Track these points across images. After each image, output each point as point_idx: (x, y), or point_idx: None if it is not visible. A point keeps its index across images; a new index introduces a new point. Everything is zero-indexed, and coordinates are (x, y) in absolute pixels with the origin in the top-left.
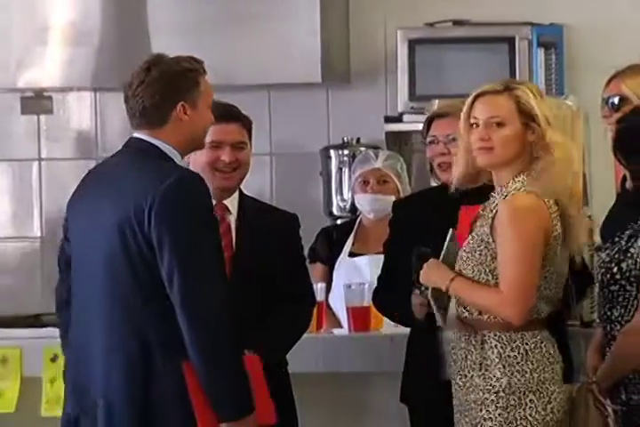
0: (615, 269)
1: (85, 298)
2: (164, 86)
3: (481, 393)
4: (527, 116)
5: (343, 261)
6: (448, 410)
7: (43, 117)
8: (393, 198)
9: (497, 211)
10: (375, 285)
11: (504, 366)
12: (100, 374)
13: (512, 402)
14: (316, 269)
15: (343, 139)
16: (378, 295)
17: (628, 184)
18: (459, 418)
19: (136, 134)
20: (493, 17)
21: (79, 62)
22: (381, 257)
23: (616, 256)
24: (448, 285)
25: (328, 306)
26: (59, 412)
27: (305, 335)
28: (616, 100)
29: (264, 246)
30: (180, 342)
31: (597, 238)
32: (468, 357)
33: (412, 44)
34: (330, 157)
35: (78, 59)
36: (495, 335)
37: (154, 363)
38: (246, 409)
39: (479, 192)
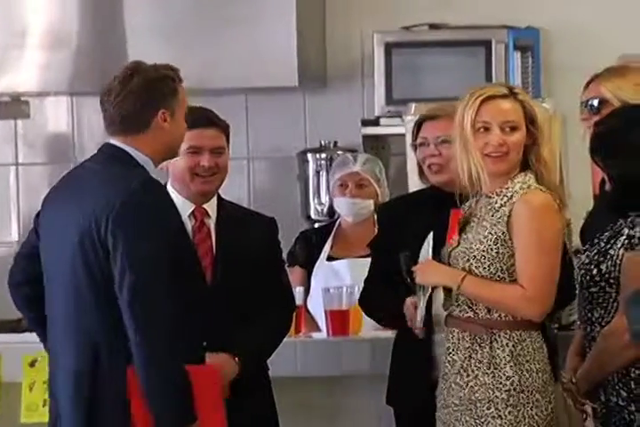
0: (595, 271)
1: (51, 296)
2: (146, 93)
3: (490, 391)
4: (529, 120)
5: (321, 265)
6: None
7: (20, 122)
8: (371, 202)
9: (511, 209)
10: (358, 287)
11: (515, 365)
12: (58, 376)
13: (521, 400)
14: (294, 273)
15: (320, 142)
16: (365, 298)
17: (608, 187)
18: (457, 417)
19: (111, 140)
20: (469, 20)
21: (56, 67)
22: (361, 261)
23: (595, 258)
24: (459, 283)
25: (307, 310)
26: (38, 418)
27: (285, 339)
28: (596, 102)
29: (244, 251)
30: (129, 347)
31: (576, 241)
32: (473, 356)
33: (389, 48)
34: (307, 161)
35: (55, 63)
36: (505, 334)
37: (101, 366)
38: (185, 420)
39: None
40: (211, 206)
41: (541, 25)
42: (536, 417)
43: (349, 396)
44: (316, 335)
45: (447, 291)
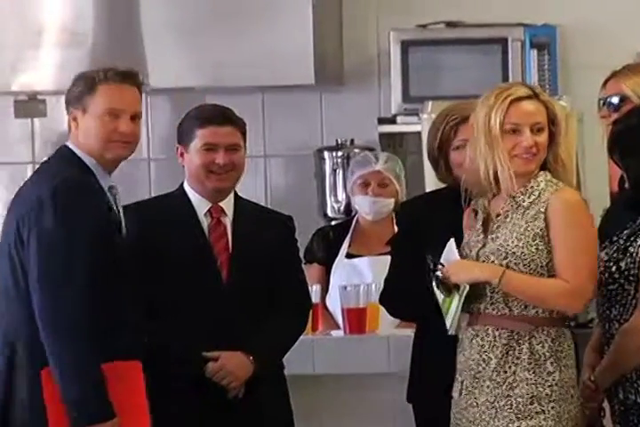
0: (614, 269)
1: None
2: (65, 98)
3: (533, 387)
4: (550, 120)
5: (341, 263)
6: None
7: (36, 121)
8: (392, 201)
9: (546, 207)
10: (377, 285)
11: (555, 361)
12: None
13: (562, 396)
14: (312, 270)
15: (337, 140)
16: (387, 296)
17: (627, 184)
18: (493, 414)
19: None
20: (486, 18)
21: (72, 65)
22: (382, 258)
23: (615, 255)
24: (500, 277)
25: (325, 307)
26: None
27: (301, 337)
28: (616, 100)
29: (260, 249)
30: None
31: None
32: (510, 352)
33: (405, 46)
34: (324, 159)
35: (71, 62)
36: (544, 331)
37: (17, 367)
38: (98, 417)
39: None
40: (227, 204)
41: (558, 22)
42: (572, 412)
43: (366, 394)
44: (334, 333)
45: (480, 288)
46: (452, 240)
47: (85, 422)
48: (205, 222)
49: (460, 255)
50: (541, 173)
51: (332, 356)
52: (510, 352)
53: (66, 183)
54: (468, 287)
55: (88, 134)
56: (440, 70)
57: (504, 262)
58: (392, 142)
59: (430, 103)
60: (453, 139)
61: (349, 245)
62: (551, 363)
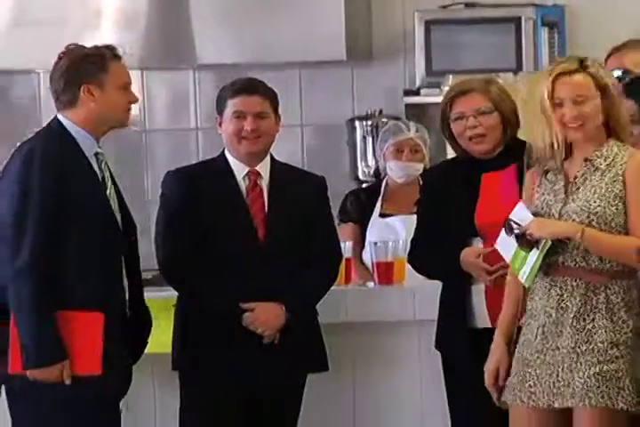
0: None
1: None
2: (68, 72)
3: (611, 334)
4: (601, 90)
5: (375, 222)
6: (477, 356)
7: None
8: (422, 166)
9: (624, 169)
10: (403, 241)
11: (628, 310)
12: None
13: (636, 342)
14: (347, 229)
15: (367, 111)
16: (415, 256)
17: None
18: (574, 358)
19: (58, 114)
20: None
21: (128, 45)
22: (412, 217)
23: None
24: (582, 233)
25: (362, 261)
26: None
27: (334, 288)
28: (618, 73)
29: (294, 207)
30: None
31: None
32: (588, 302)
33: (428, 25)
34: (355, 128)
35: (127, 42)
36: (617, 282)
37: (6, 311)
38: (45, 360)
39: (494, 161)
40: (263, 168)
41: (566, 3)
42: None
43: (393, 340)
44: (370, 284)
45: (560, 243)
46: (522, 202)
47: (33, 364)
48: (243, 185)
49: (536, 214)
50: (609, 138)
51: (362, 305)
52: (588, 302)
53: (36, 150)
54: (550, 242)
55: (107, 106)
56: (459, 47)
57: (586, 221)
58: (416, 112)
59: (451, 77)
60: (450, 111)
61: (382, 206)
62: (625, 311)
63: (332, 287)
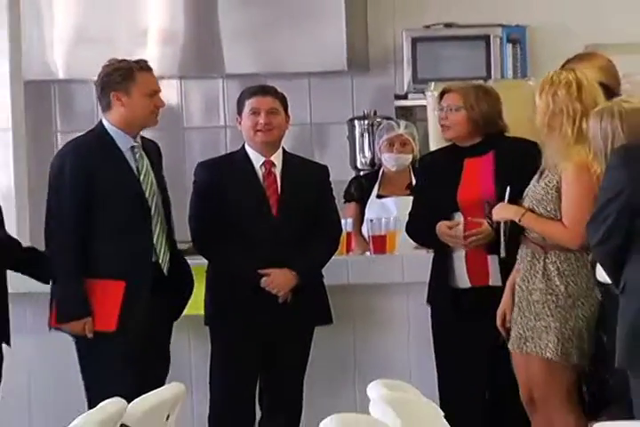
0: None
1: None
2: (101, 82)
3: (543, 295)
4: None
5: (373, 202)
6: (458, 311)
7: None
8: (411, 156)
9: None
10: (402, 218)
11: (562, 277)
12: None
13: (569, 303)
14: (350, 208)
15: (364, 112)
16: (410, 227)
17: None
18: (517, 313)
19: (102, 116)
20: (473, 20)
21: (168, 57)
22: (403, 198)
23: None
24: (520, 217)
25: (362, 235)
26: None
27: (337, 257)
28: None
29: (302, 191)
30: None
31: None
32: (532, 267)
33: (414, 41)
34: (354, 126)
35: (167, 54)
36: (555, 253)
37: None
38: (72, 316)
39: (475, 149)
40: (277, 158)
41: (527, 23)
42: (581, 316)
43: (387, 299)
44: (367, 254)
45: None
46: (508, 188)
47: (62, 319)
48: (260, 172)
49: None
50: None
51: (360, 271)
52: (532, 267)
53: (64, 152)
54: (502, 223)
55: (134, 110)
56: (440, 59)
57: (530, 206)
58: (404, 113)
59: (433, 84)
60: (439, 104)
61: (379, 189)
62: (558, 277)
63: (336, 256)
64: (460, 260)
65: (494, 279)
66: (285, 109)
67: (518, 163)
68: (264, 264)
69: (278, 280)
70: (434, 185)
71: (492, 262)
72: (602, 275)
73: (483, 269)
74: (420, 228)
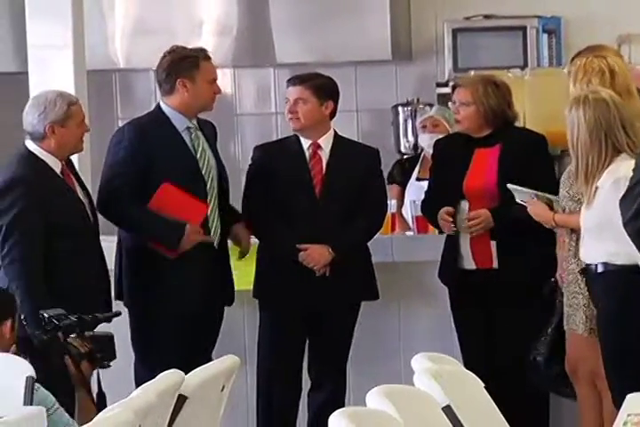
0: None
1: None
2: (168, 68)
3: (574, 275)
4: None
5: (413, 184)
6: (464, 290)
7: None
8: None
9: None
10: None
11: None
12: None
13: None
14: (393, 189)
15: (407, 99)
16: (423, 209)
17: None
18: (564, 293)
19: (161, 99)
20: (511, 11)
21: (222, 48)
22: None
23: None
24: (553, 218)
25: (401, 215)
26: None
27: (383, 236)
28: None
29: (347, 172)
30: None
31: None
32: (569, 249)
33: (455, 32)
34: (398, 112)
35: (222, 45)
36: (570, 234)
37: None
38: (173, 239)
39: (485, 140)
40: (325, 141)
41: (562, 14)
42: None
43: (428, 276)
44: (408, 233)
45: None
46: (509, 185)
47: (172, 244)
48: (307, 154)
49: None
50: None
51: (404, 249)
52: (569, 248)
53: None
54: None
55: (197, 95)
56: (479, 49)
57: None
58: (445, 100)
59: (472, 72)
60: (452, 96)
61: (419, 172)
62: (573, 257)
63: (381, 235)
64: (465, 243)
65: (497, 262)
66: (321, 97)
67: (523, 155)
68: (306, 241)
69: (314, 255)
70: (445, 171)
71: (495, 247)
72: (585, 255)
73: (487, 253)
74: (432, 211)
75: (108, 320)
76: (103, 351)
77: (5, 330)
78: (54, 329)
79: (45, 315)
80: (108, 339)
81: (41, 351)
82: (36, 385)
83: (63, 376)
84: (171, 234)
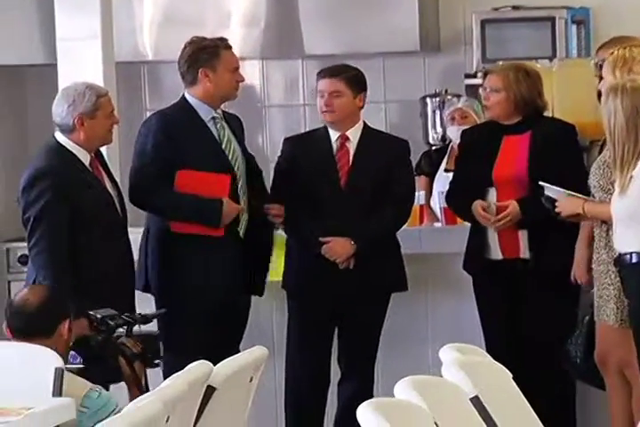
0: None
1: None
2: (189, 58)
3: (606, 265)
4: None
5: (441, 175)
6: (490, 280)
7: None
8: None
9: None
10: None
11: (604, 247)
12: None
13: (607, 270)
14: (421, 180)
15: (435, 90)
16: (449, 199)
17: None
18: (594, 284)
19: (185, 90)
20: (540, 3)
21: (250, 39)
22: None
23: None
24: (583, 209)
25: (429, 207)
26: None
27: (411, 227)
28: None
29: (374, 164)
30: None
31: None
32: (599, 239)
33: (483, 23)
34: (426, 103)
35: (250, 36)
36: (599, 226)
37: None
38: (215, 214)
39: (515, 127)
40: (353, 133)
41: (591, 5)
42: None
43: (457, 267)
44: (436, 224)
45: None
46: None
47: (214, 223)
48: (335, 145)
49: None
50: None
51: (432, 240)
52: (599, 239)
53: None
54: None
55: (220, 84)
56: (507, 40)
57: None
58: (474, 91)
59: (500, 63)
60: (483, 83)
61: (447, 163)
62: (604, 248)
63: (409, 227)
64: (492, 234)
65: (525, 252)
66: (355, 89)
67: (554, 144)
68: (331, 233)
69: (336, 248)
70: (472, 160)
71: (523, 237)
72: (619, 244)
73: (514, 243)
74: (458, 201)
75: (156, 318)
76: (151, 351)
77: (64, 330)
78: (108, 330)
79: (98, 316)
80: (154, 338)
81: (97, 352)
82: (97, 388)
83: (117, 377)
84: (211, 211)
